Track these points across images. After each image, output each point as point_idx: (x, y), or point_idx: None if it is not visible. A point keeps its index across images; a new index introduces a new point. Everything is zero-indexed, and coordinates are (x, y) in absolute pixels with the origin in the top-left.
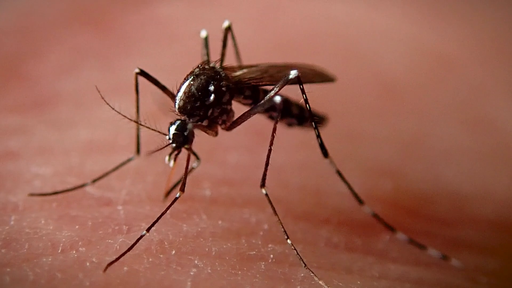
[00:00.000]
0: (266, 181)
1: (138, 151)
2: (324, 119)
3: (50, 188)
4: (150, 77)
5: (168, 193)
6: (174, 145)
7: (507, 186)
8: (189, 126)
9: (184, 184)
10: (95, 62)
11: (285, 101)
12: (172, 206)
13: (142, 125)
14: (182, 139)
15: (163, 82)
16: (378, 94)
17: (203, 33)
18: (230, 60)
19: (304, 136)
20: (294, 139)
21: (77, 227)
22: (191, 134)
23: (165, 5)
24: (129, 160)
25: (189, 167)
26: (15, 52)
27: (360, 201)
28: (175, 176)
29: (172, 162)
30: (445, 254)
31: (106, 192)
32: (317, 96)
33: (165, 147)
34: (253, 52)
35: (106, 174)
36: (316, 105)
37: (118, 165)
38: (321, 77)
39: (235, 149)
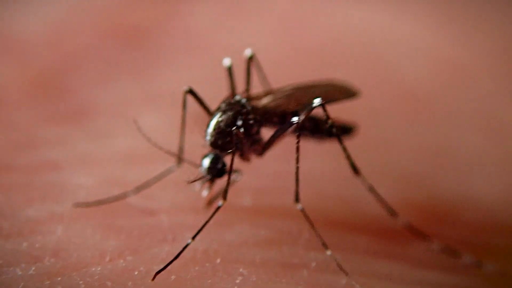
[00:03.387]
0: (301, 193)
1: (179, 162)
2: (353, 129)
3: (94, 198)
4: (197, 97)
5: (210, 203)
6: (208, 177)
7: None
8: (222, 158)
9: (226, 193)
10: (129, 73)
11: (310, 119)
12: (215, 215)
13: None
14: (216, 172)
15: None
16: (401, 103)
17: (227, 62)
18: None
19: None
20: (327, 148)
21: (123, 236)
22: (225, 166)
23: (194, 17)
24: (170, 170)
25: (231, 178)
26: (50, 64)
27: (394, 213)
28: (215, 186)
29: (205, 192)
30: (479, 260)
31: (149, 202)
32: (342, 106)
33: (200, 179)
34: (279, 65)
35: (149, 184)
36: (342, 114)
37: (160, 175)
38: (346, 94)
39: (272, 159)
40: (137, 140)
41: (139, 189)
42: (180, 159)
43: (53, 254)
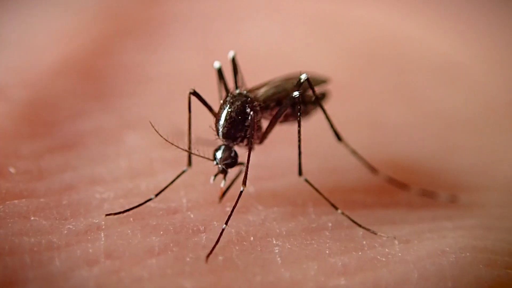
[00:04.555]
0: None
1: (190, 163)
2: (326, 94)
3: (120, 208)
4: (200, 98)
5: (223, 195)
6: (223, 168)
7: None
8: (234, 149)
9: (246, 179)
10: (100, 104)
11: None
12: (239, 200)
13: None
14: (231, 163)
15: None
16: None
17: (217, 64)
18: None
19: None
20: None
21: (161, 232)
22: (237, 156)
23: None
24: (183, 172)
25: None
26: (31, 102)
27: (375, 171)
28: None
29: (223, 182)
30: (454, 195)
31: (169, 203)
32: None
33: (218, 173)
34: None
35: (167, 186)
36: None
37: (175, 177)
38: (321, 79)
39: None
40: (132, 158)
41: (158, 193)
42: (190, 160)
43: (107, 256)
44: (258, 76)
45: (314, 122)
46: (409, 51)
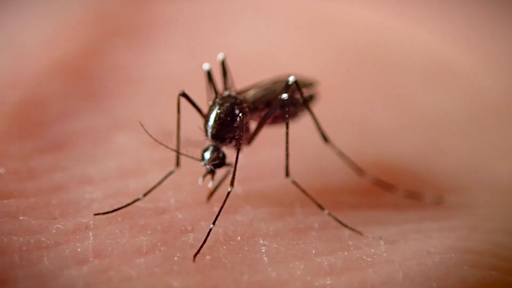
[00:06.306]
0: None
1: (178, 163)
2: (313, 95)
3: (108, 208)
4: (190, 99)
5: (211, 196)
6: (211, 169)
7: None
8: (222, 150)
9: (234, 179)
10: (90, 105)
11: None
12: (226, 201)
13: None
14: (219, 163)
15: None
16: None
17: (206, 66)
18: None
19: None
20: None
21: (149, 232)
22: (225, 157)
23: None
24: (171, 172)
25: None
26: (19, 102)
27: (362, 172)
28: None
29: (211, 182)
30: (440, 196)
31: (158, 203)
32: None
33: (207, 173)
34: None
35: (155, 186)
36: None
37: (164, 177)
38: (309, 81)
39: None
40: (121, 158)
41: (146, 192)
42: (179, 160)
43: (96, 255)
44: (248, 78)
45: (303, 124)
46: (398, 52)
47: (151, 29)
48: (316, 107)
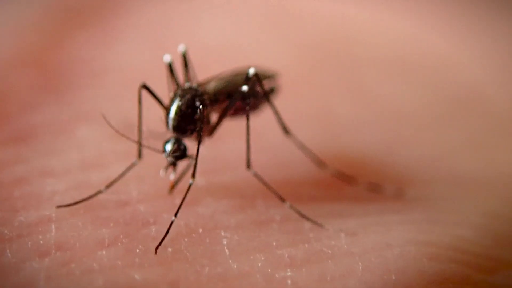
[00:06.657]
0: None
1: (140, 155)
2: (274, 88)
3: (71, 200)
4: (151, 91)
5: (173, 188)
6: (173, 161)
7: None
8: (183, 142)
9: (195, 172)
10: (52, 97)
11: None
12: (188, 193)
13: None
14: (181, 155)
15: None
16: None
17: (167, 58)
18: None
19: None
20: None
21: (111, 224)
22: (186, 149)
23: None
24: (133, 164)
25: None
26: None
27: (323, 165)
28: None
29: (172, 175)
30: (401, 188)
31: (120, 195)
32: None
33: (168, 165)
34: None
35: (117, 179)
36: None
37: (126, 169)
38: (270, 73)
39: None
40: (83, 150)
41: (109, 184)
42: (140, 152)
43: (57, 247)
44: (210, 70)
45: (265, 117)
46: (366, 47)
47: (114, 21)
48: (279, 100)
